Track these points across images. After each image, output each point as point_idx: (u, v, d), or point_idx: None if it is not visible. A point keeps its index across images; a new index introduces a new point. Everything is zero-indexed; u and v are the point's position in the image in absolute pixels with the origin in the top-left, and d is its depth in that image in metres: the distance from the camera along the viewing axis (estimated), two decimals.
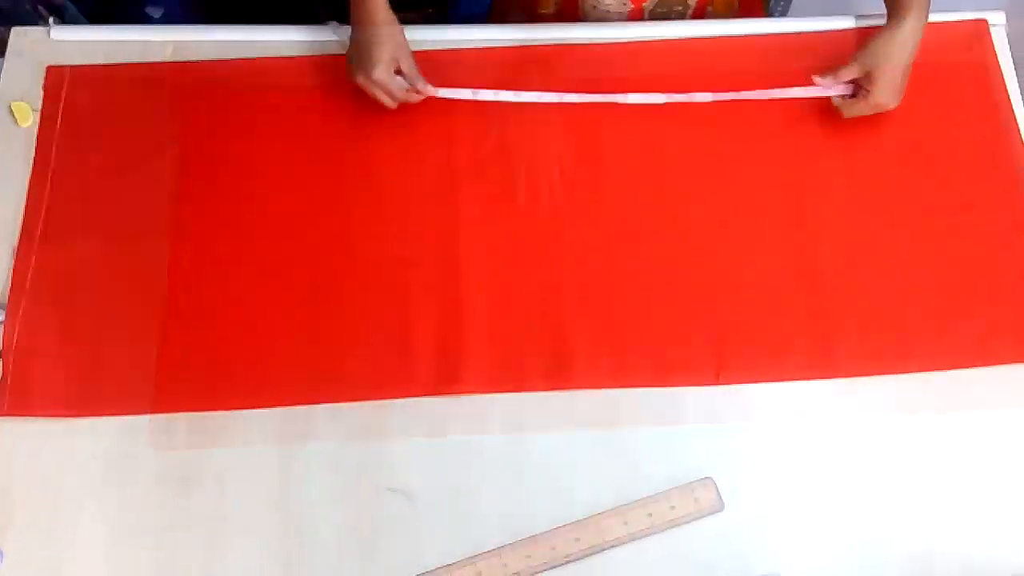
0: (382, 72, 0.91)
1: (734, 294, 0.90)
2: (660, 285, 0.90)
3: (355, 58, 0.93)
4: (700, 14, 1.09)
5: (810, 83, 0.96)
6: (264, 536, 0.81)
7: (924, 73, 0.96)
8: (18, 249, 0.91)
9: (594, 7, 1.06)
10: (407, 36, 0.94)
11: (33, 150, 0.96)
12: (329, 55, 1.00)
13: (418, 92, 0.95)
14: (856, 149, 0.97)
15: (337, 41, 1.01)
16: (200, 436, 0.84)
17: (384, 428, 0.84)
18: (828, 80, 0.95)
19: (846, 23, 1.03)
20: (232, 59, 1.00)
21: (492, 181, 0.95)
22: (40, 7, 1.24)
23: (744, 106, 0.98)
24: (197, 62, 1.00)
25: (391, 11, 0.93)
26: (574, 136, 0.97)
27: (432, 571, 0.79)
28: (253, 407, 0.85)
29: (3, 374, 0.85)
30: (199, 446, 0.83)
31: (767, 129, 0.98)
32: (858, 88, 0.95)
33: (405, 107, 0.95)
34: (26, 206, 0.93)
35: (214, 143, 0.96)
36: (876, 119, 0.96)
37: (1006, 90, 1.00)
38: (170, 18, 1.31)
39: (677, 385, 0.86)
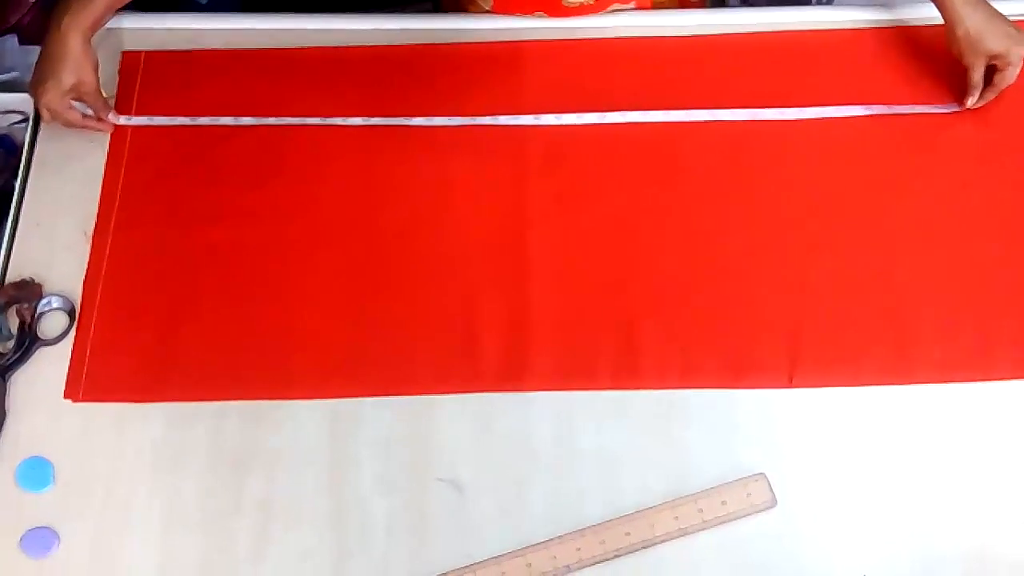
0: (53, 95, 0.88)
1: (808, 296, 0.88)
2: (732, 285, 0.89)
3: (36, 70, 0.90)
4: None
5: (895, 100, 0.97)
6: (314, 524, 0.81)
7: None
8: (93, 237, 0.92)
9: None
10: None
11: (107, 139, 0.97)
12: (395, 45, 1.00)
13: (98, 123, 0.93)
14: (935, 150, 0.95)
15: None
16: (251, 423, 0.84)
17: (433, 418, 0.85)
18: (976, 99, 0.95)
19: (886, 15, 1.03)
20: (301, 47, 1.01)
21: (561, 177, 0.94)
22: None
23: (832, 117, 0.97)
24: (263, 50, 1.01)
25: (92, 31, 0.89)
26: (643, 138, 0.96)
27: (481, 562, 0.79)
28: (315, 398, 0.85)
29: (79, 360, 0.86)
30: (250, 433, 0.84)
31: (847, 131, 0.96)
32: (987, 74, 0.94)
33: (474, 101, 0.95)
34: (101, 193, 0.94)
35: (284, 130, 0.96)
36: (952, 121, 0.95)
37: None
38: (217, 5, 1.31)
39: (749, 387, 0.85)
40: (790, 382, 0.85)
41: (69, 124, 0.93)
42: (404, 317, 0.88)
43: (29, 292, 0.89)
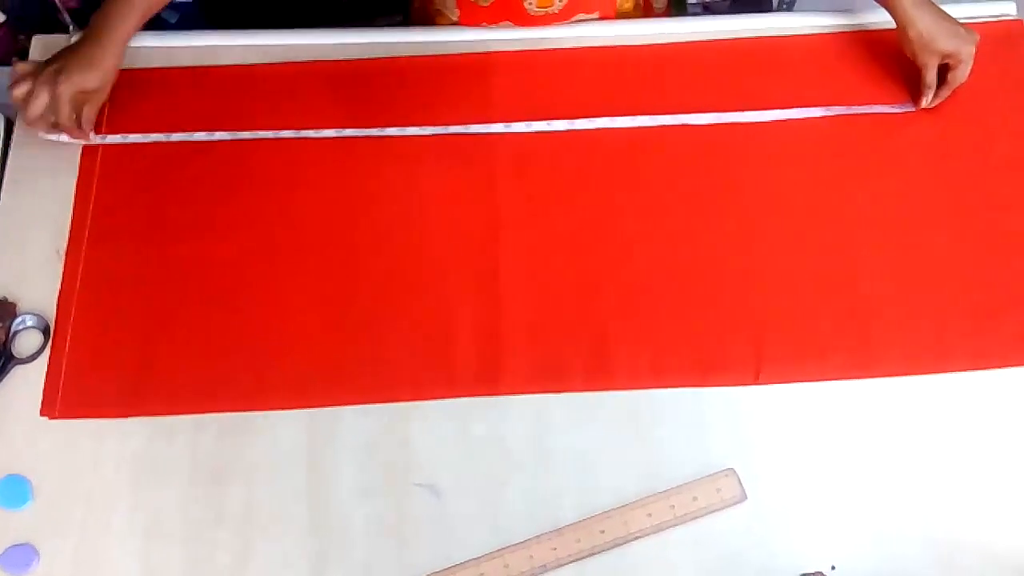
0: (70, 89, 0.90)
1: (772, 295, 0.90)
2: (699, 286, 0.91)
3: (62, 60, 0.91)
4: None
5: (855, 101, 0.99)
6: (294, 531, 0.82)
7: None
8: (66, 255, 0.92)
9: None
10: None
11: (78, 155, 0.97)
12: (364, 59, 1.02)
13: (79, 132, 0.94)
14: (893, 149, 0.98)
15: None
16: (230, 434, 0.85)
17: (410, 424, 0.86)
18: (930, 98, 0.98)
19: (845, 20, 1.05)
20: (266, 63, 1.02)
21: (531, 184, 0.96)
22: (65, 13, 1.26)
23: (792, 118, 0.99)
24: (234, 66, 1.02)
25: (125, 45, 0.94)
26: (611, 143, 0.98)
27: (460, 564, 0.80)
28: (293, 407, 0.86)
29: (55, 377, 0.87)
30: (229, 444, 0.85)
31: (802, 135, 0.98)
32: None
33: (445, 111, 0.97)
34: (73, 211, 0.94)
35: (256, 144, 0.97)
36: (908, 120, 0.98)
37: None
38: (186, 23, 1.32)
39: (717, 385, 0.87)
40: (757, 379, 0.87)
41: (56, 123, 0.93)
42: (380, 326, 0.89)
43: (3, 311, 0.89)
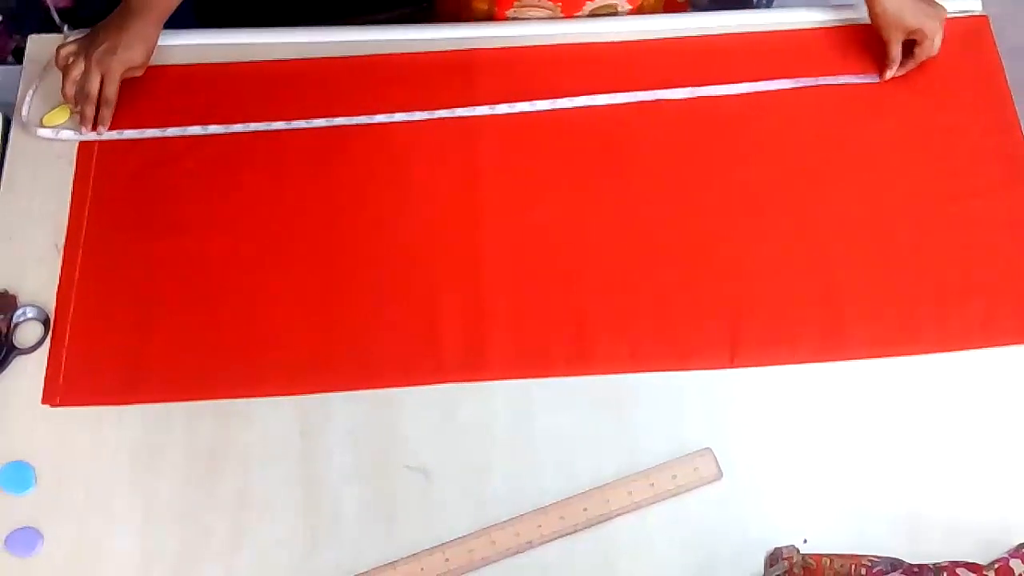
0: (119, 65, 0.95)
1: (746, 280, 0.94)
2: (675, 272, 0.94)
3: (105, 37, 0.96)
4: None
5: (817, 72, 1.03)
6: (287, 514, 0.85)
7: (929, 66, 1.02)
8: (65, 249, 0.95)
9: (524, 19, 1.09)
10: (379, 35, 0.99)
11: (74, 151, 1.00)
12: (352, 56, 1.05)
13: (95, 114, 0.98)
14: (863, 138, 1.01)
15: (360, 42, 1.04)
16: (224, 420, 0.88)
17: (399, 410, 0.89)
18: (894, 71, 1.01)
19: (824, 16, 1.08)
20: (257, 61, 1.04)
21: (511, 171, 0.99)
22: (54, 12, 1.28)
23: (756, 99, 1.02)
24: (224, 64, 1.04)
25: (164, 21, 0.98)
26: (590, 129, 1.01)
27: (449, 542, 0.83)
28: (285, 394, 0.89)
29: (56, 368, 0.89)
30: (223, 430, 0.88)
31: (775, 120, 1.02)
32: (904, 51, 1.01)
33: (430, 98, 1.00)
34: (71, 206, 0.97)
35: (244, 137, 1.00)
36: (881, 110, 1.01)
37: (1006, 83, 1.03)
38: (173, 21, 1.34)
39: (693, 369, 0.90)
40: (732, 362, 0.90)
41: (92, 94, 0.96)
42: (368, 314, 0.92)
43: (5, 303, 0.92)
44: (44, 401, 0.88)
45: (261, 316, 0.92)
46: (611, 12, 1.09)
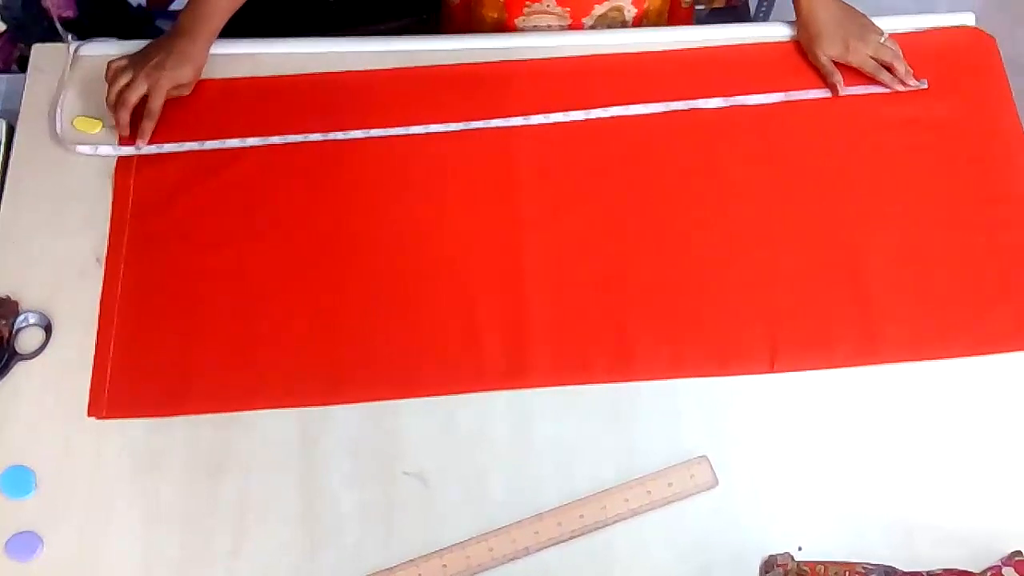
0: (168, 82, 0.97)
1: (784, 286, 0.95)
2: (714, 279, 0.95)
3: (157, 55, 0.98)
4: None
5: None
6: (287, 519, 0.85)
7: (947, 78, 1.04)
8: (106, 261, 0.95)
9: (534, 26, 1.11)
10: (394, 46, 1.00)
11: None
12: (387, 69, 1.06)
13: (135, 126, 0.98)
14: (897, 144, 1.02)
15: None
16: (225, 427, 0.89)
17: (399, 417, 0.89)
18: (839, 86, 1.03)
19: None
20: (295, 74, 1.05)
21: (550, 180, 1.00)
22: (58, 23, 1.29)
23: (789, 107, 1.04)
24: (261, 78, 1.05)
25: (212, 42, 1.01)
26: (625, 139, 1.02)
27: (447, 548, 0.84)
28: (330, 404, 0.90)
29: (101, 379, 0.90)
30: (224, 436, 0.88)
31: (808, 128, 1.03)
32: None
33: (465, 109, 1.01)
34: (111, 218, 0.97)
35: (280, 148, 1.01)
36: (912, 117, 1.03)
37: (1011, 96, 1.05)
38: None
39: (734, 374, 0.91)
40: (772, 367, 0.91)
41: (131, 102, 0.97)
42: (410, 323, 0.92)
43: (6, 309, 0.92)
44: (90, 414, 0.89)
45: (304, 327, 0.93)
46: (617, 14, 1.11)
